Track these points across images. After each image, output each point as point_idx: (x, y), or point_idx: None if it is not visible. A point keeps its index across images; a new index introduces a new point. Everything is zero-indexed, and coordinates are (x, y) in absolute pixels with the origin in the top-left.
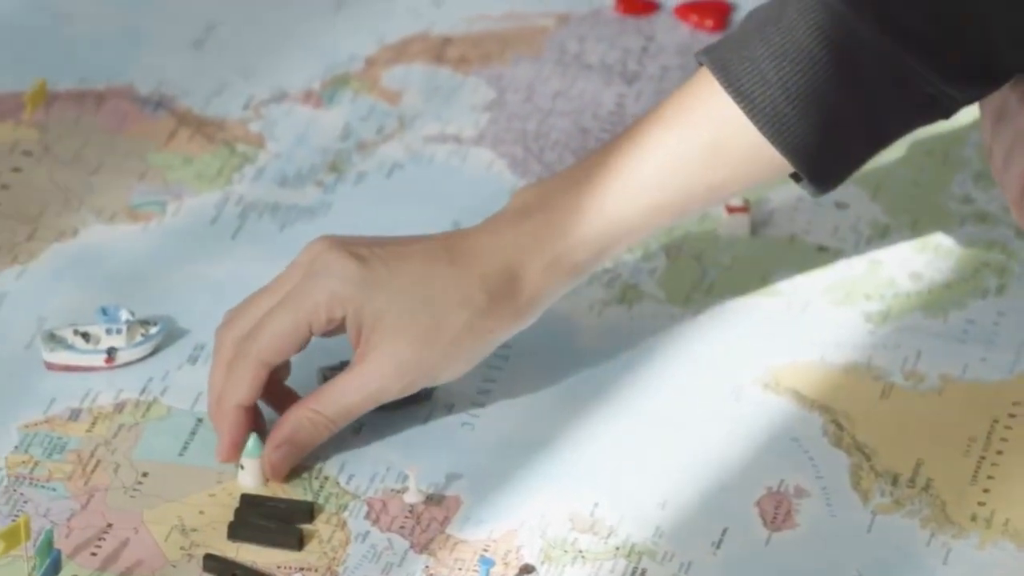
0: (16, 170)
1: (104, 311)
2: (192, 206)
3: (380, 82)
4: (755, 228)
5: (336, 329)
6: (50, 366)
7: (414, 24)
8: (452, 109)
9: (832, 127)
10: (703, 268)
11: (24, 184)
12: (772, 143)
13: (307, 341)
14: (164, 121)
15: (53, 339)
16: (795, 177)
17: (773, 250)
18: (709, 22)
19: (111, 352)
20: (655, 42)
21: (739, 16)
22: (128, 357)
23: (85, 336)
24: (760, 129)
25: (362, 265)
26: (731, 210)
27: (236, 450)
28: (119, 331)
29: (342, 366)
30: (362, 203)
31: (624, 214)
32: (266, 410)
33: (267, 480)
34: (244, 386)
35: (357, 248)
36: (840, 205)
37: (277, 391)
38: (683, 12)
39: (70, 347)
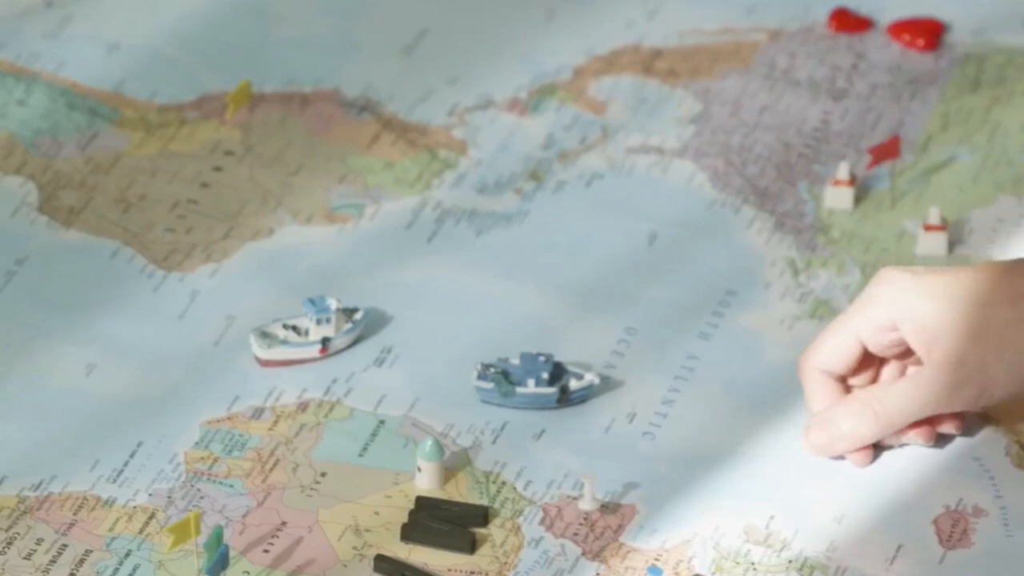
0: (217, 169)
1: (312, 301)
2: (390, 210)
3: (586, 92)
4: (952, 247)
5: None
6: (266, 363)
7: (625, 36)
8: (657, 121)
9: None
10: None
11: (224, 183)
12: None
13: (859, 352)
14: (368, 125)
15: (266, 336)
16: None
17: None
18: (921, 41)
19: (325, 342)
20: (865, 60)
21: (951, 36)
22: (339, 345)
23: (295, 329)
24: None
25: (913, 275)
26: (929, 228)
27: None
28: (328, 320)
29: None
30: (560, 212)
31: None
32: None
33: (444, 484)
34: (811, 396)
35: (913, 267)
36: None
37: None
38: (896, 31)
39: (284, 342)
